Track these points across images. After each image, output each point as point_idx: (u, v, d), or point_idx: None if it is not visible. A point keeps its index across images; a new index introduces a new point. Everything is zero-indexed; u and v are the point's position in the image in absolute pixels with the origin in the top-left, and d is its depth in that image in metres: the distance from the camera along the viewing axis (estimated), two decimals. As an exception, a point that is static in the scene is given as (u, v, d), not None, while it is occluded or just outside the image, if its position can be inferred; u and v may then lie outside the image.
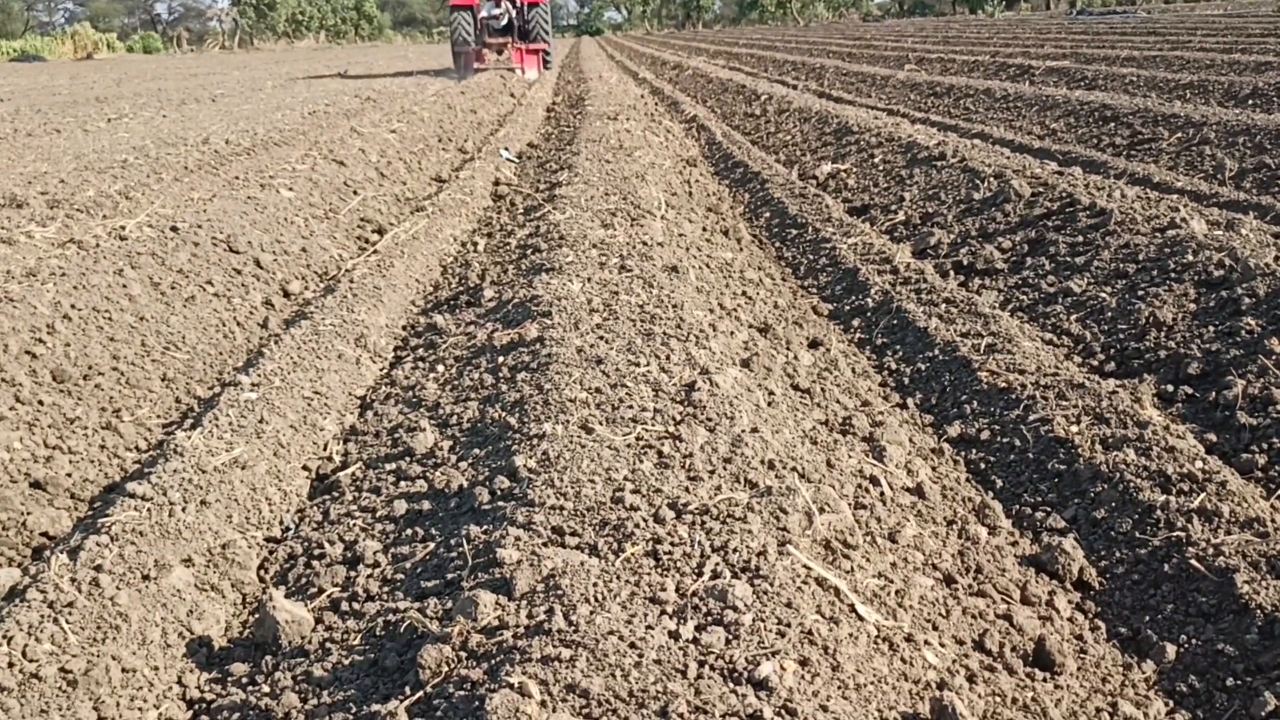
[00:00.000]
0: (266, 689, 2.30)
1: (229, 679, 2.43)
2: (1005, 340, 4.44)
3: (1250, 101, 10.96)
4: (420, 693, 2.02)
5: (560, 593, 2.12)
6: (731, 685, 1.83)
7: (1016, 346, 4.35)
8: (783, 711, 1.76)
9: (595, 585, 2.14)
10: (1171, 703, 2.40)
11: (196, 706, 2.39)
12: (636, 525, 2.40)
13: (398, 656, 2.22)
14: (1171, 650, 2.53)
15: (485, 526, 2.61)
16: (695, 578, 2.17)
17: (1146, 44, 22.16)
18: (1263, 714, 2.27)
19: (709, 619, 2.02)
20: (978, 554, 2.88)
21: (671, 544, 2.31)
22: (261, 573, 2.96)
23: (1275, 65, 13.82)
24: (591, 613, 2.03)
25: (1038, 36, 29.74)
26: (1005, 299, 5.37)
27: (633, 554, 2.28)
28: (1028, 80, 15.84)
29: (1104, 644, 2.61)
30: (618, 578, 2.17)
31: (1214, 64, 15.06)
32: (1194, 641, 2.55)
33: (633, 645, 1.93)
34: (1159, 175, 7.66)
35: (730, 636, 1.96)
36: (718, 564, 2.21)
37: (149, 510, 3.00)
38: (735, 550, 2.26)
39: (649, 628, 1.99)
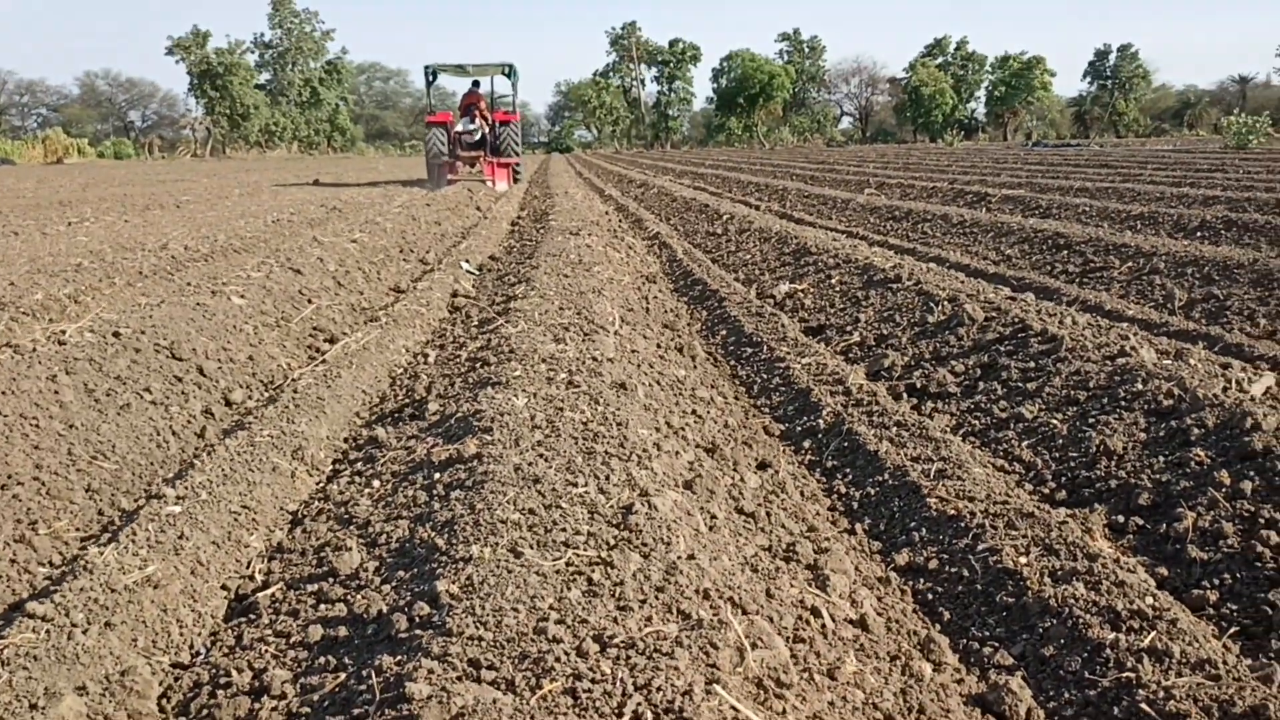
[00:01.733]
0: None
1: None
2: (955, 466, 4.37)
3: (1199, 234, 11.19)
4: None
5: (468, 735, 1.97)
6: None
7: (967, 472, 4.28)
8: None
9: (506, 727, 1.99)
10: None
11: None
12: (557, 659, 2.26)
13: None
14: (1122, 802, 2.40)
15: (399, 656, 2.45)
16: (615, 719, 2.03)
17: (1099, 175, 22.77)
18: None
19: (626, 765, 1.88)
20: (921, 693, 2.75)
21: (592, 681, 2.17)
22: (163, 702, 2.77)
23: (1222, 199, 14.18)
24: (499, 758, 1.88)
25: (995, 165, 30.54)
26: (957, 423, 5.32)
27: (550, 691, 2.13)
28: (984, 207, 16.15)
29: (1052, 793, 2.47)
30: (531, 718, 2.03)
31: (1164, 196, 15.44)
32: (1145, 792, 2.42)
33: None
34: (1110, 303, 7.74)
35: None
36: (639, 704, 2.07)
37: (47, 631, 2.83)
38: (659, 689, 2.13)
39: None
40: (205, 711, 2.60)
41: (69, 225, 15.16)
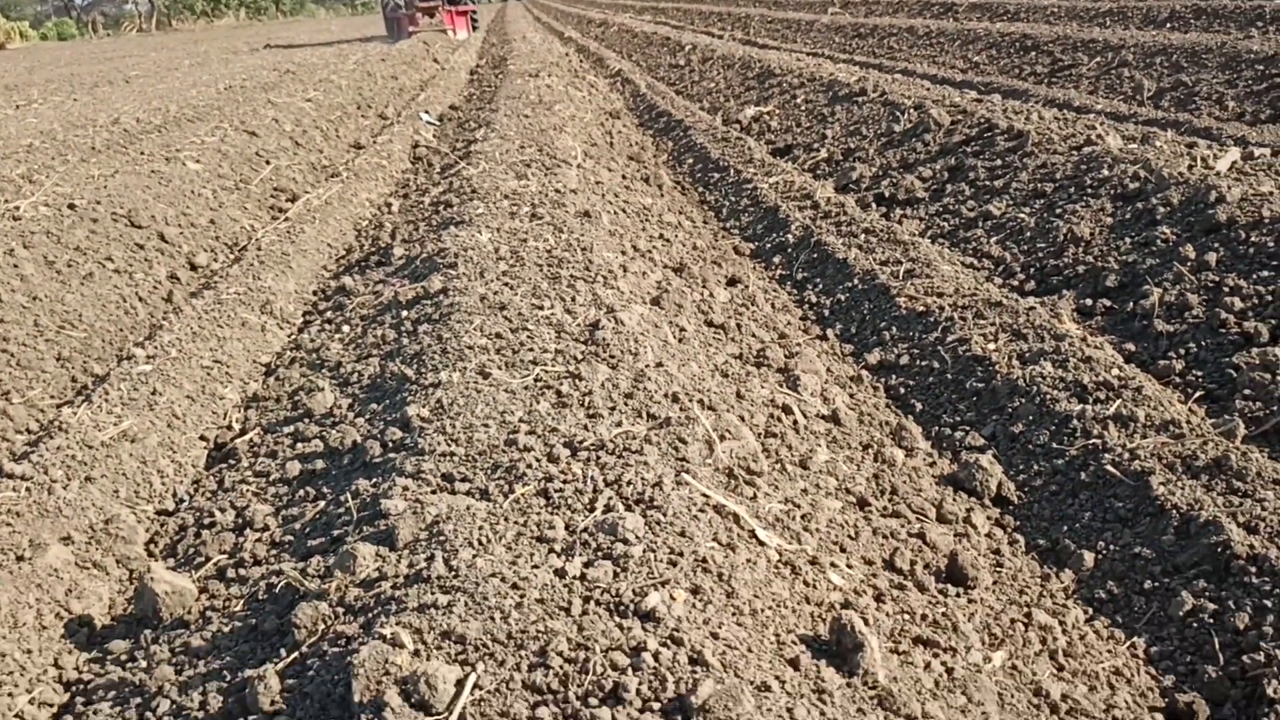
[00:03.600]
0: (143, 664, 2.17)
1: (109, 658, 2.29)
2: (924, 265, 4.37)
3: (1168, 24, 10.97)
4: (295, 654, 1.90)
5: (443, 539, 2.00)
6: (617, 619, 1.72)
7: (935, 270, 4.28)
8: (669, 642, 1.66)
9: (480, 529, 2.02)
10: (1090, 610, 2.34)
11: (74, 688, 2.25)
12: (529, 466, 2.28)
13: (276, 619, 2.09)
14: (1089, 558, 2.47)
15: (374, 479, 2.48)
16: (587, 514, 2.07)
17: (1068, -24, 22.17)
18: (1180, 613, 2.22)
19: (598, 554, 1.92)
20: (893, 476, 2.80)
21: (563, 482, 2.19)
22: (151, 547, 2.81)
23: (1193, -13, 13.84)
24: (474, 556, 1.92)
25: (962, -25, 29.69)
26: (926, 226, 5.30)
27: (523, 494, 2.16)
28: (951, 17, 15.77)
29: (1022, 557, 2.54)
30: (505, 519, 2.06)
31: (1134, -10, 15.07)
32: (1112, 548, 2.49)
33: (515, 586, 1.82)
34: (1079, 99, 7.64)
35: (618, 570, 1.86)
36: (610, 498, 2.11)
37: (27, 489, 2.84)
38: (629, 483, 2.16)
39: (534, 567, 1.88)
40: (192, 550, 2.64)
41: (17, 109, 14.73)
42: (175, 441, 3.34)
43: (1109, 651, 2.17)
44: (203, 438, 3.48)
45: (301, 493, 2.71)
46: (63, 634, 2.41)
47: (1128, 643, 2.20)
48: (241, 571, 2.41)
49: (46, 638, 2.37)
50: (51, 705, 2.20)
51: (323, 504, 2.56)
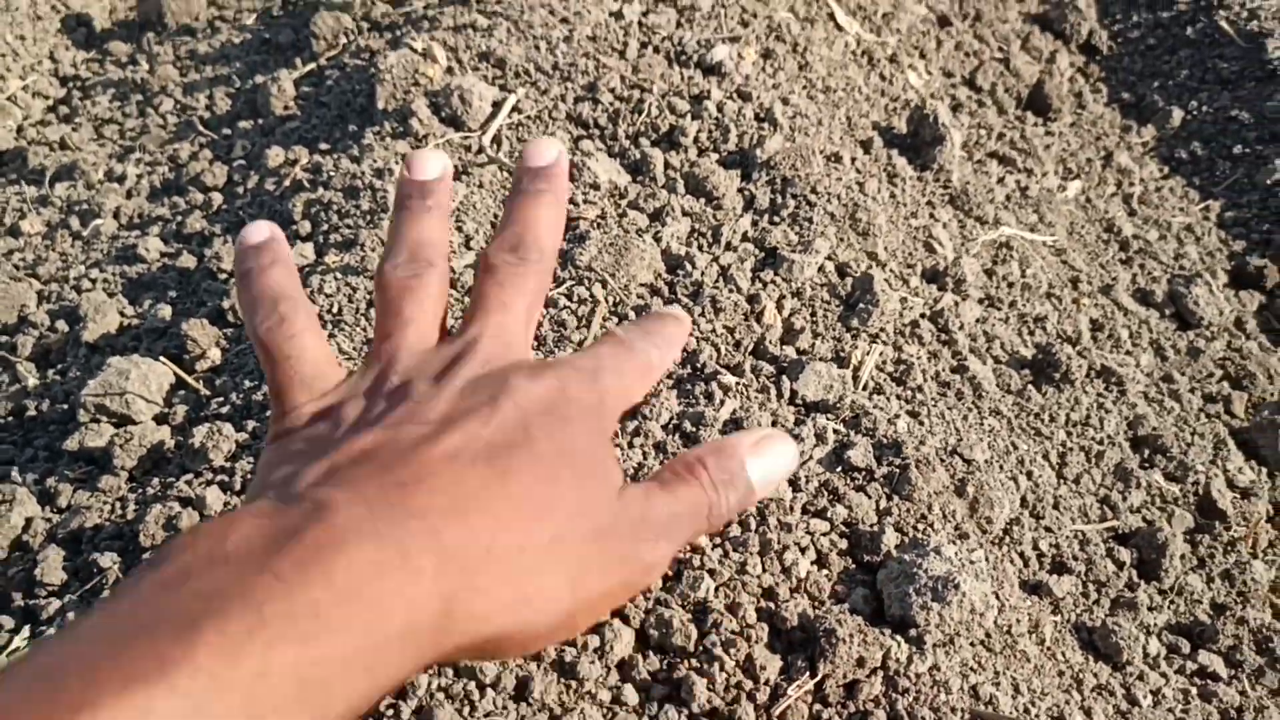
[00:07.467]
0: (145, 67, 1.98)
1: (108, 58, 2.10)
2: None
3: None
4: (312, 65, 1.71)
5: (485, -35, 1.76)
6: (678, 67, 1.53)
7: None
8: (735, 96, 1.47)
9: (527, -41, 1.77)
10: (1167, 168, 2.16)
11: (70, 84, 2.08)
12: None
13: (292, 33, 1.88)
14: (1178, 115, 2.25)
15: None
16: (649, -36, 1.81)
17: None
18: (1269, 181, 2.04)
19: (661, 1, 1.69)
20: (978, 1, 2.52)
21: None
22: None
23: None
24: (520, -15, 1.69)
25: None
26: None
27: (576, -64, 1.89)
28: None
29: (1103, 106, 2.33)
30: (556, -43, 1.81)
31: None
32: (1205, 109, 2.27)
33: (564, 20, 1.60)
34: None
35: (682, 20, 1.64)
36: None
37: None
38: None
39: (587, 7, 1.65)
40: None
41: None
42: None
43: (1181, 209, 2.02)
44: None
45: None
46: (59, 29, 2.21)
47: (1202, 204, 2.04)
48: (254, -12, 2.18)
49: (41, 29, 2.17)
50: (47, 97, 2.04)
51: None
